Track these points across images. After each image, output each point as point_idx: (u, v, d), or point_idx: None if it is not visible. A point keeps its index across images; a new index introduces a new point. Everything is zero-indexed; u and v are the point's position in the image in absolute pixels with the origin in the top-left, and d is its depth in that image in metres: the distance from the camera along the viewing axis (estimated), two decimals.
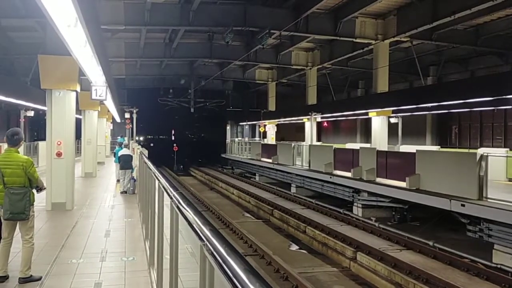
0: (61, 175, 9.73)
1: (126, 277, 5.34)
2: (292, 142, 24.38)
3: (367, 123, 25.60)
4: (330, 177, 16.33)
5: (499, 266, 8.90)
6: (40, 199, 7.56)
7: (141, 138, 46.16)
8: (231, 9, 16.82)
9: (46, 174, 9.69)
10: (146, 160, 7.86)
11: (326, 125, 34.84)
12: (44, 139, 10.66)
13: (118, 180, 14.30)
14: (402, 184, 12.42)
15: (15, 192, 4.85)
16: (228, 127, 41.74)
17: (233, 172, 32.25)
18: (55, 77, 9.64)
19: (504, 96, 12.85)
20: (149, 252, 5.71)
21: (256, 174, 26.37)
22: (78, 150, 20.92)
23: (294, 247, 12.08)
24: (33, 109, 22.31)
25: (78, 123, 14.27)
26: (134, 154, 14.33)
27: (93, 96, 10.61)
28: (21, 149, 5.49)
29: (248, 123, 38.67)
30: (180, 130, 51.23)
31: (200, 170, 33.78)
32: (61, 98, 9.80)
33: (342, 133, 35.25)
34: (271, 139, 31.27)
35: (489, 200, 9.78)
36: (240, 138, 40.35)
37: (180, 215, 2.81)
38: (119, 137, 26.18)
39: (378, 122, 18.55)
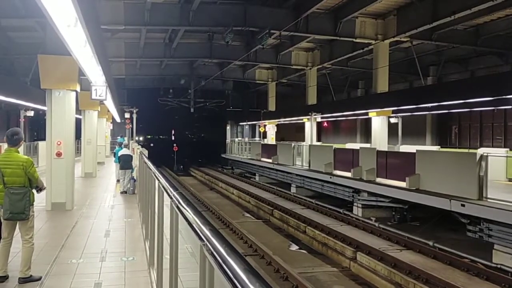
0: (61, 175, 9.73)
1: (126, 277, 5.34)
2: (292, 142, 24.39)
3: (367, 123, 25.61)
4: (330, 177, 16.33)
5: (499, 266, 8.90)
6: (40, 199, 7.55)
7: (141, 138, 46.15)
8: (231, 9, 16.82)
9: (46, 174, 9.68)
10: (146, 160, 7.85)
11: (326, 125, 34.83)
12: (44, 139, 10.66)
13: (118, 180, 14.30)
14: (402, 184, 12.42)
15: (15, 192, 4.85)
16: (228, 127, 41.75)
17: (233, 172, 32.25)
18: (55, 77, 9.64)
19: (504, 96, 12.84)
20: (149, 252, 5.71)
21: (256, 174, 26.37)
22: (78, 150, 20.91)
23: (294, 247, 12.08)
24: (33, 109, 22.31)
25: (78, 123, 14.27)
26: (134, 154, 14.33)
27: (93, 96, 10.60)
28: (21, 149, 5.49)
29: (248, 123, 38.67)
30: (180, 130, 51.29)
31: (200, 170, 33.79)
32: (61, 98, 9.79)
33: (342, 133, 35.25)
34: (271, 139, 31.27)
35: (489, 200, 9.77)
36: (240, 138, 40.35)
37: (180, 215, 2.81)
38: (119, 137, 26.18)
39: (378, 122, 18.55)
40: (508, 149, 16.57)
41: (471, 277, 8.71)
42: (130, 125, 32.57)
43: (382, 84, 18.70)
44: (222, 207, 17.52)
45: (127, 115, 32.01)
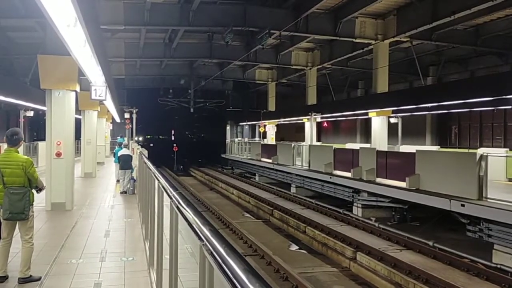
0: (61, 175, 9.72)
1: (125, 277, 5.34)
2: (292, 142, 24.38)
3: (367, 123, 25.61)
4: (330, 177, 16.33)
5: (499, 266, 8.90)
6: (39, 199, 7.55)
7: (141, 138, 46.16)
8: (231, 9, 16.82)
9: (45, 174, 9.68)
10: (146, 160, 7.85)
11: (326, 125, 34.83)
12: (44, 139, 10.65)
13: (117, 180, 14.30)
14: (402, 184, 12.42)
15: (14, 192, 4.84)
16: (228, 127, 41.75)
17: (233, 172, 32.25)
18: (54, 77, 9.64)
19: (504, 96, 12.85)
20: (148, 252, 5.71)
21: (256, 174, 26.37)
22: (77, 150, 20.91)
23: (294, 247, 12.07)
24: (32, 109, 22.31)
25: (78, 123, 14.28)
26: (133, 154, 14.33)
27: (93, 96, 10.58)
28: (20, 149, 5.48)
29: (248, 123, 38.67)
30: (180, 130, 51.31)
31: (200, 170, 33.78)
32: (61, 98, 9.79)
33: (342, 133, 35.26)
34: (271, 139, 31.27)
35: (489, 200, 9.77)
36: (240, 138, 40.36)
37: (179, 215, 2.80)
38: (118, 137, 26.17)
39: (378, 122, 18.55)
40: (508, 149, 16.58)
41: (471, 277, 8.71)
42: (130, 125, 32.58)
43: (382, 84, 18.70)
44: (222, 207, 17.52)
45: (127, 115, 32.02)
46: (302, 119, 25.65)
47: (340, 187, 15.78)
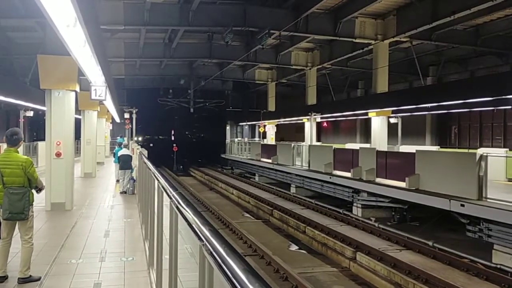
0: (61, 175, 9.73)
1: (125, 277, 5.34)
2: (291, 142, 24.38)
3: (367, 123, 25.61)
4: (330, 177, 16.33)
5: (498, 266, 8.90)
6: (39, 199, 7.55)
7: (140, 138, 46.15)
8: (231, 9, 16.82)
9: (45, 174, 9.68)
10: (146, 160, 7.85)
11: (326, 125, 34.83)
12: (44, 139, 10.65)
13: (117, 180, 14.29)
14: (402, 184, 12.42)
15: (14, 192, 4.84)
16: (227, 127, 41.74)
17: (232, 172, 32.25)
18: (54, 77, 9.64)
19: (503, 96, 12.85)
20: (148, 252, 5.71)
21: (256, 174, 26.37)
22: (77, 151, 20.90)
23: (294, 247, 12.07)
24: (32, 109, 22.32)
25: (78, 123, 14.26)
26: (133, 154, 14.33)
27: (93, 96, 10.58)
28: (20, 149, 5.49)
29: (248, 123, 38.67)
30: (179, 130, 51.27)
31: (199, 170, 33.77)
32: (61, 98, 9.79)
33: (341, 133, 35.27)
34: (270, 139, 31.27)
35: (488, 200, 9.78)
36: (239, 138, 40.36)
37: (179, 215, 2.80)
38: (118, 137, 26.18)
39: (378, 122, 18.55)
40: (507, 149, 16.58)
41: (470, 277, 8.71)
42: (130, 125, 32.57)
43: (382, 84, 18.71)
44: (221, 207, 17.52)
45: (126, 115, 32.02)
46: (302, 119, 25.66)
47: (340, 187, 15.78)
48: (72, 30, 5.26)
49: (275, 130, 31.62)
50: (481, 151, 12.57)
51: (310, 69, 25.00)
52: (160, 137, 52.53)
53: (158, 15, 16.19)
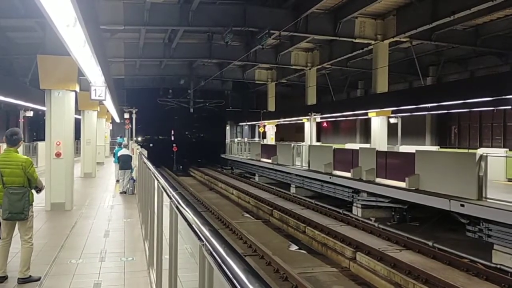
0: (60, 175, 9.72)
1: (125, 277, 5.34)
2: (291, 143, 24.39)
3: (367, 123, 25.61)
4: (330, 178, 16.33)
5: (498, 266, 8.90)
6: (39, 199, 7.54)
7: (140, 139, 46.14)
8: (231, 9, 16.81)
9: (45, 174, 9.67)
10: (146, 161, 7.85)
11: (326, 125, 34.84)
12: (43, 140, 10.65)
13: (117, 181, 14.29)
14: (402, 184, 12.42)
15: (14, 192, 4.84)
16: (227, 128, 41.74)
17: (232, 172, 32.25)
18: (54, 77, 9.63)
19: (503, 96, 12.85)
20: (148, 253, 5.71)
21: (256, 175, 26.37)
22: (77, 151, 20.90)
23: (294, 247, 12.07)
24: (32, 109, 22.32)
25: (78, 123, 14.26)
26: (133, 154, 14.32)
27: (92, 96, 10.58)
28: (20, 149, 5.49)
29: (248, 123, 38.66)
30: (179, 130, 51.25)
31: (199, 171, 33.77)
32: (60, 98, 9.79)
33: (341, 133, 35.27)
34: (270, 139, 31.27)
35: (488, 200, 9.78)
36: (239, 139, 40.35)
37: (179, 215, 2.80)
38: (118, 138, 26.18)
39: (378, 122, 18.55)
40: (507, 149, 16.57)
41: (470, 277, 8.71)
42: (130, 126, 32.57)
43: (382, 84, 18.71)
44: (221, 207, 17.51)
45: (126, 116, 32.02)
46: (301, 119, 25.66)
47: (340, 187, 15.78)
48: (72, 30, 5.26)
49: (275, 130, 31.61)
50: (481, 151, 12.57)
51: (310, 69, 25.00)
52: (160, 137, 52.50)
53: (158, 15, 16.19)
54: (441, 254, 9.90)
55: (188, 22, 16.36)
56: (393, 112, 18.82)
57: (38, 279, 5.04)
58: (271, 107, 32.10)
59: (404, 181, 12.25)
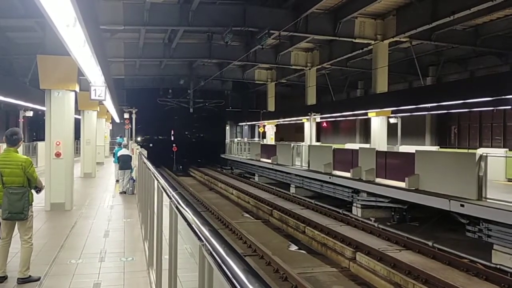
0: (60, 175, 9.72)
1: (125, 277, 5.34)
2: (291, 143, 24.39)
3: (367, 123, 25.62)
4: (329, 178, 16.33)
5: (498, 266, 8.91)
6: (39, 199, 7.54)
7: (140, 139, 46.14)
8: (231, 9, 16.81)
9: (45, 174, 9.67)
10: (145, 161, 7.85)
11: (326, 125, 34.84)
12: (43, 140, 10.65)
13: (117, 181, 14.29)
14: (402, 184, 12.42)
15: (13, 192, 4.84)
16: (227, 128, 41.73)
17: (232, 172, 32.25)
18: (54, 77, 9.63)
19: (503, 96, 12.85)
20: (148, 253, 5.71)
21: (256, 175, 26.37)
22: (77, 151, 20.89)
23: (294, 247, 12.07)
24: (32, 109, 22.30)
25: (77, 123, 14.26)
26: (133, 154, 14.32)
27: (92, 96, 10.58)
28: (20, 149, 5.48)
29: (248, 123, 38.67)
30: (179, 130, 51.22)
31: (199, 171, 33.77)
32: (60, 98, 9.79)
33: (341, 133, 35.27)
34: (270, 139, 31.27)
35: (488, 200, 9.78)
36: (239, 139, 40.35)
37: (179, 215, 2.80)
38: (118, 138, 26.18)
39: (378, 122, 18.56)
40: (507, 149, 16.58)
41: (470, 277, 8.71)
42: (130, 126, 32.57)
43: (382, 84, 18.71)
44: (221, 207, 17.51)
45: (126, 116, 32.02)
46: (301, 119, 25.65)
47: (340, 187, 15.78)
48: (71, 30, 5.26)
49: (275, 130, 31.61)
50: (480, 151, 12.57)
51: (309, 69, 24.99)
52: (160, 137, 52.47)
53: (157, 15, 16.18)
54: (441, 254, 9.90)
55: (188, 22, 16.36)
56: (393, 112, 18.82)
57: (38, 279, 5.04)
58: (271, 107, 32.10)
59: (403, 181, 12.25)
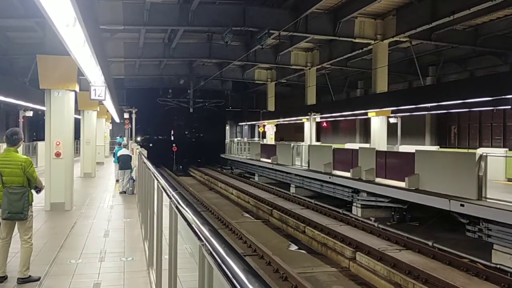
0: (60, 175, 9.72)
1: (125, 277, 5.34)
2: (291, 142, 24.39)
3: (366, 123, 25.62)
4: (329, 177, 16.33)
5: (498, 266, 8.91)
6: (38, 199, 7.54)
7: (140, 138, 46.12)
8: (230, 9, 16.81)
9: (45, 174, 9.67)
10: (145, 160, 7.84)
11: (325, 125, 34.85)
12: (43, 139, 10.65)
13: (117, 180, 14.29)
14: (401, 184, 12.42)
15: (13, 192, 4.84)
16: (227, 127, 41.72)
17: (232, 172, 32.25)
18: (54, 77, 9.63)
19: (503, 96, 12.87)
20: (148, 252, 5.71)
21: (255, 174, 26.37)
22: (77, 151, 20.89)
23: (294, 247, 12.07)
24: (32, 109, 22.30)
25: (77, 123, 14.26)
26: (133, 154, 14.32)
27: (92, 96, 10.58)
28: (20, 149, 5.48)
29: (247, 123, 38.68)
30: (179, 130, 51.20)
31: (199, 170, 33.77)
32: (60, 98, 9.79)
33: (341, 133, 35.27)
34: (270, 139, 31.27)
35: (488, 200, 9.78)
36: (239, 138, 40.35)
37: (179, 215, 2.80)
38: (118, 137, 26.18)
39: (378, 122, 18.56)
40: (507, 149, 16.60)
41: (470, 277, 8.71)
42: (129, 125, 32.57)
43: (381, 84, 18.71)
44: (221, 207, 17.51)
45: (126, 115, 32.01)
46: (301, 119, 25.66)
47: (340, 187, 15.78)
48: (71, 30, 5.25)
49: (275, 130, 31.62)
50: (480, 151, 12.57)
51: (309, 69, 24.99)
52: (160, 137, 52.45)
53: (157, 15, 16.18)
54: (441, 254, 9.90)
55: (188, 22, 16.36)
56: (392, 112, 18.83)
57: (38, 279, 5.04)
58: (271, 107, 32.10)
59: (403, 181, 12.25)
